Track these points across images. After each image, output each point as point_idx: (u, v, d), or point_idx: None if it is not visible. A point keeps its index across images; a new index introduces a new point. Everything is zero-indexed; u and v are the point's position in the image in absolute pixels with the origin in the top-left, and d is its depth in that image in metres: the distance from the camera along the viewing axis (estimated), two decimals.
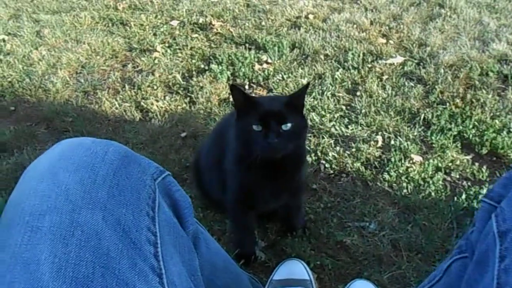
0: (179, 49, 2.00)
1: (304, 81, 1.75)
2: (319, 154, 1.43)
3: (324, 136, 1.50)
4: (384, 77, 1.76)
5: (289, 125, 0.90)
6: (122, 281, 0.45)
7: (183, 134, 1.56)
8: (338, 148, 1.45)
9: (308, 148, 1.44)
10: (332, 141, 1.48)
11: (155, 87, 1.77)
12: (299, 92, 0.92)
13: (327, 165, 1.40)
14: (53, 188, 0.48)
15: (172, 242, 0.54)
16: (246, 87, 1.77)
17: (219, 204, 1.21)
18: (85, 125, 1.61)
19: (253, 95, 1.71)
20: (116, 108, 1.70)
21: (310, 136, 1.49)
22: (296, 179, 1.06)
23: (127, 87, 1.79)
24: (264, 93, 1.73)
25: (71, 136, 1.55)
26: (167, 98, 1.72)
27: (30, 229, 0.45)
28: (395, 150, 1.43)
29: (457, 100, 1.61)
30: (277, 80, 1.77)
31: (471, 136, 1.45)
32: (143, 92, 1.75)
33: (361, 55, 1.87)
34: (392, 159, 1.39)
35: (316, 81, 1.75)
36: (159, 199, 0.54)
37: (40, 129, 1.63)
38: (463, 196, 1.26)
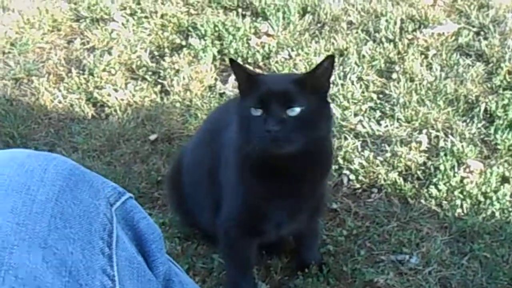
0: (146, 17, 2.02)
1: (320, 60, 1.76)
2: (341, 161, 1.45)
3: (348, 136, 1.52)
4: (430, 53, 1.78)
5: (297, 109, 0.94)
6: None
7: (153, 137, 1.58)
8: (366, 152, 1.47)
9: None
10: (358, 143, 1.50)
11: (113, 72, 1.79)
12: (318, 68, 0.97)
13: (351, 177, 1.42)
14: None
15: None
16: None
17: (208, 233, 1.23)
18: (17, 126, 1.63)
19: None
20: (60, 102, 1.71)
21: None
22: (319, 191, 1.09)
23: (74, 72, 1.80)
24: None
25: None
26: (129, 86, 1.74)
27: None
28: (446, 155, 1.45)
29: None
30: (282, 59, 1.79)
31: None
32: (96, 79, 1.76)
33: (398, 22, 1.89)
34: (441, 167, 1.41)
35: (337, 59, 1.77)
36: (118, 231, 0.57)
37: None
38: None
